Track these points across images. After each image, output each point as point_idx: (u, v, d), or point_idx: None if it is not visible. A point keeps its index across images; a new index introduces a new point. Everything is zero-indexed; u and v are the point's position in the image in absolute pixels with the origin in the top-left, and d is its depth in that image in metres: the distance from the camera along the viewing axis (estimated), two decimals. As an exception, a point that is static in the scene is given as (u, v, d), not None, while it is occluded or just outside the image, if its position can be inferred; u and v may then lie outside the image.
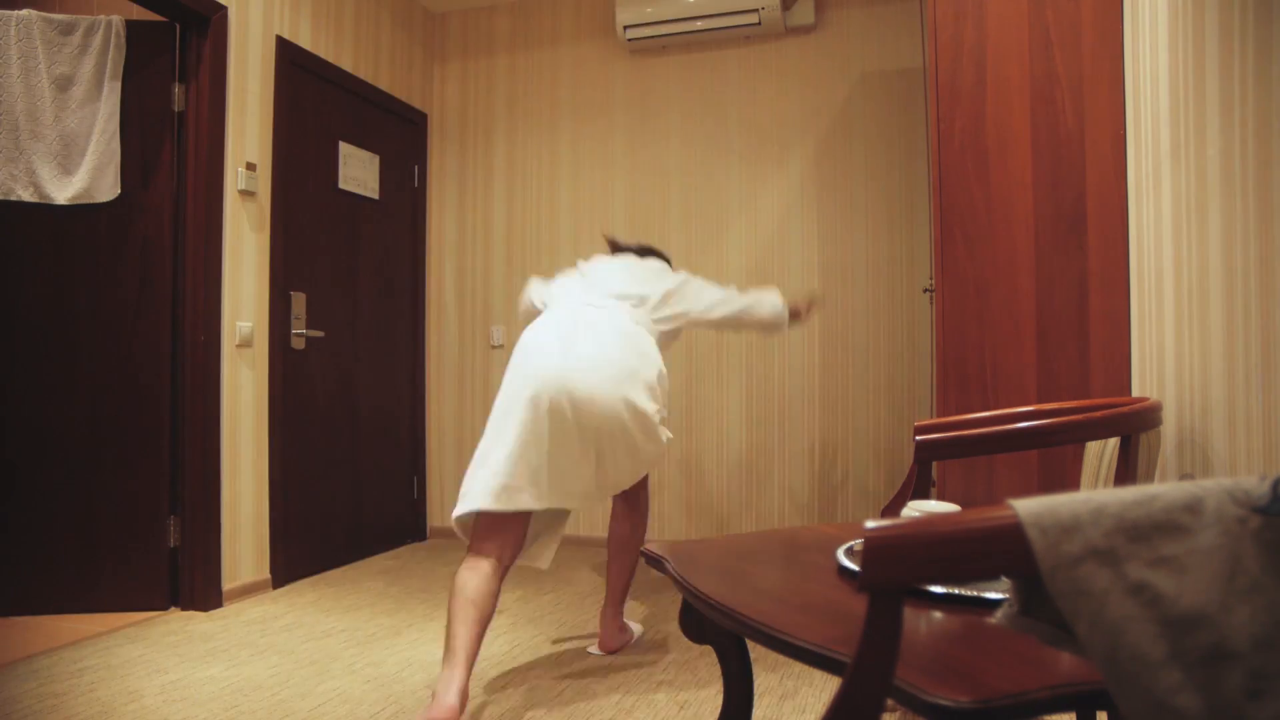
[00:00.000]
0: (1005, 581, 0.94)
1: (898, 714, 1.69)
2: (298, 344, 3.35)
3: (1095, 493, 0.53)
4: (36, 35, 2.82)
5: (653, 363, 2.12)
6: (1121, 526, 0.51)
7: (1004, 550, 0.54)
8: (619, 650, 2.45)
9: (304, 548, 3.37)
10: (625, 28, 3.80)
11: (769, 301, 2.43)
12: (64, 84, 2.84)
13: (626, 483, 2.16)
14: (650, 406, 2.06)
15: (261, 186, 3.15)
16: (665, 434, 2.14)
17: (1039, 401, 2.07)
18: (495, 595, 1.94)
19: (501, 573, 1.98)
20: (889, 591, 0.59)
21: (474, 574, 1.94)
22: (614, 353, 2.04)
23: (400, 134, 4.10)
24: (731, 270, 3.81)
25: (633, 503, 2.44)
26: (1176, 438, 1.67)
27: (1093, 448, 1.56)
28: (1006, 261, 2.13)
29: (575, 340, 2.05)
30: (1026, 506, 0.53)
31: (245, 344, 3.06)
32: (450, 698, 1.76)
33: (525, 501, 1.96)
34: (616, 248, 2.57)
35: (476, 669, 2.29)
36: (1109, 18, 2.06)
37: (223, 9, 2.96)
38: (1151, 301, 1.85)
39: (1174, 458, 1.69)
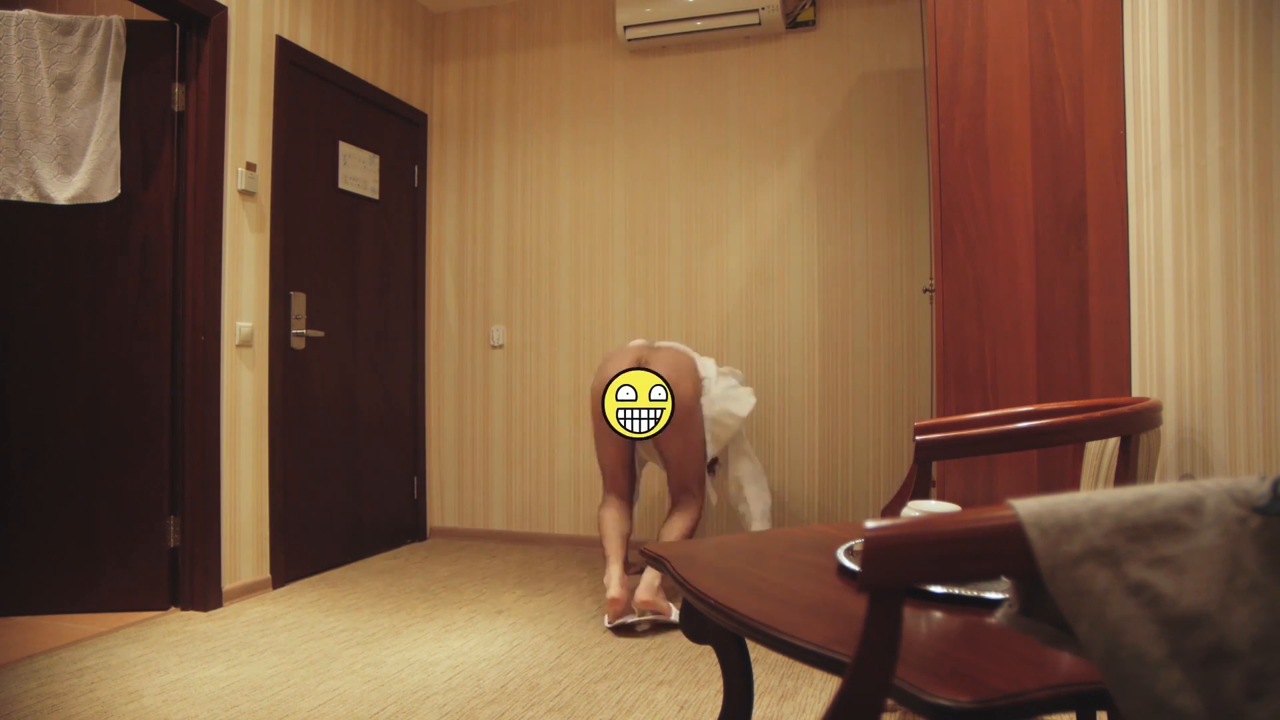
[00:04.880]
0: (1005, 581, 0.94)
1: (898, 714, 1.69)
2: (298, 344, 3.35)
3: (1095, 493, 0.53)
4: (36, 35, 2.82)
5: None
6: (1121, 526, 0.51)
7: (1004, 550, 0.54)
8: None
9: (304, 548, 3.37)
10: (625, 28, 3.80)
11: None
12: (64, 84, 2.84)
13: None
14: None
15: (261, 186, 3.15)
16: None
17: (1039, 401, 2.07)
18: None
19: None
20: (889, 591, 0.59)
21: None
22: None
23: (400, 134, 4.10)
24: (731, 270, 3.81)
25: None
26: (1176, 438, 1.67)
27: (1093, 448, 1.56)
28: (1006, 261, 2.13)
29: None
30: (1026, 506, 0.53)
31: (245, 344, 3.05)
32: (614, 589, 2.57)
33: None
34: None
35: (475, 669, 2.30)
36: (1109, 18, 2.06)
37: (223, 9, 2.96)
38: (1151, 301, 1.85)
39: (1174, 458, 1.69)
